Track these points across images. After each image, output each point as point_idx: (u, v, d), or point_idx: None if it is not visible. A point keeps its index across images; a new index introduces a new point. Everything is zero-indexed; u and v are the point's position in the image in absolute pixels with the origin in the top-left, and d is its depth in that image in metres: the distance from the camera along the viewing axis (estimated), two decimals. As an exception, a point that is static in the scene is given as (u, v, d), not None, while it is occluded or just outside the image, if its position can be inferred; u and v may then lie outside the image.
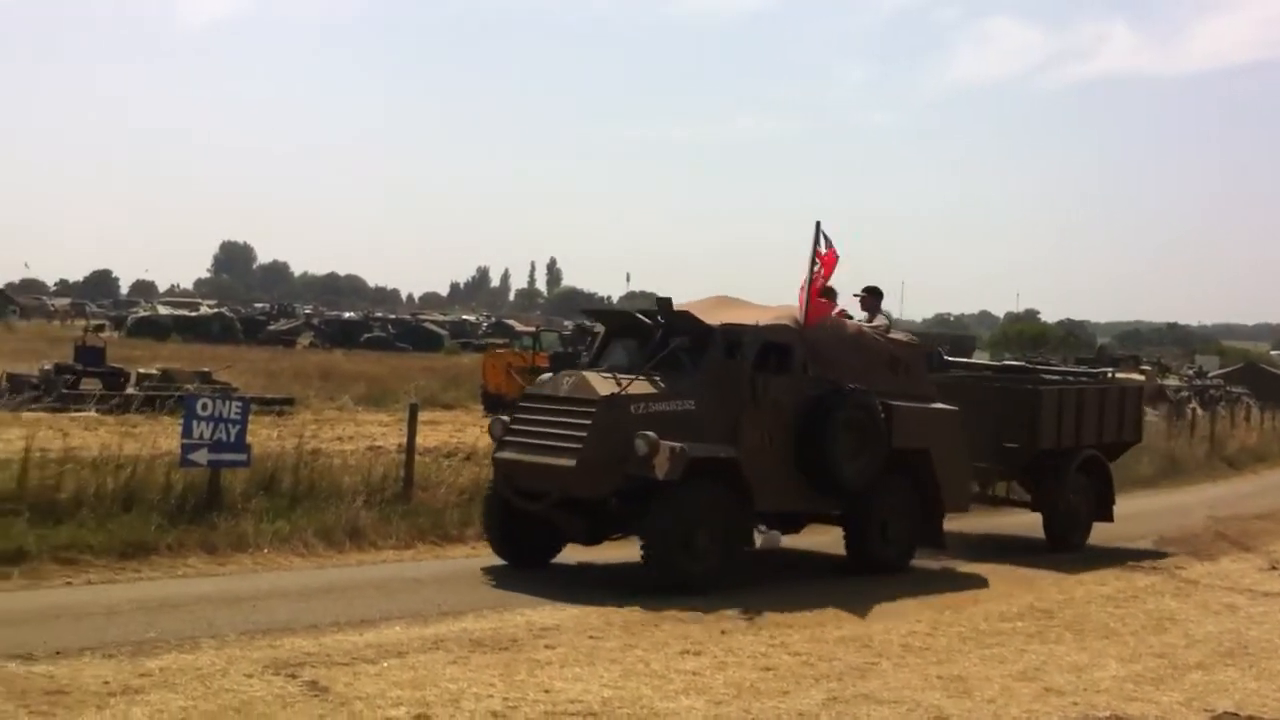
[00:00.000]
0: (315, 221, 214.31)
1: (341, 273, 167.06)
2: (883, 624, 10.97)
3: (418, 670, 8.56)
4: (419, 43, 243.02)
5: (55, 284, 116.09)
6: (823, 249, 13.31)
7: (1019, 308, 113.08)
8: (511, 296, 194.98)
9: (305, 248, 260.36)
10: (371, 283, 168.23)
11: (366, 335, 63.60)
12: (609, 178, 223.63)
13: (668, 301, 13.04)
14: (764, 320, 13.08)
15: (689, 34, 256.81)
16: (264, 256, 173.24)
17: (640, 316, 13.43)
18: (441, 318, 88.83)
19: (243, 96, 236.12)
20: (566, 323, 62.99)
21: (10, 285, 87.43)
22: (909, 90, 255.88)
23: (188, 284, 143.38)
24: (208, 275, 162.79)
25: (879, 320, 14.75)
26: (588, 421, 11.77)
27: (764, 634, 10.24)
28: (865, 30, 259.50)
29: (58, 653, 8.46)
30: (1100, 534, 16.78)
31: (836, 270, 13.66)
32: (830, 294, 14.04)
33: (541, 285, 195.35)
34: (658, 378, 12.33)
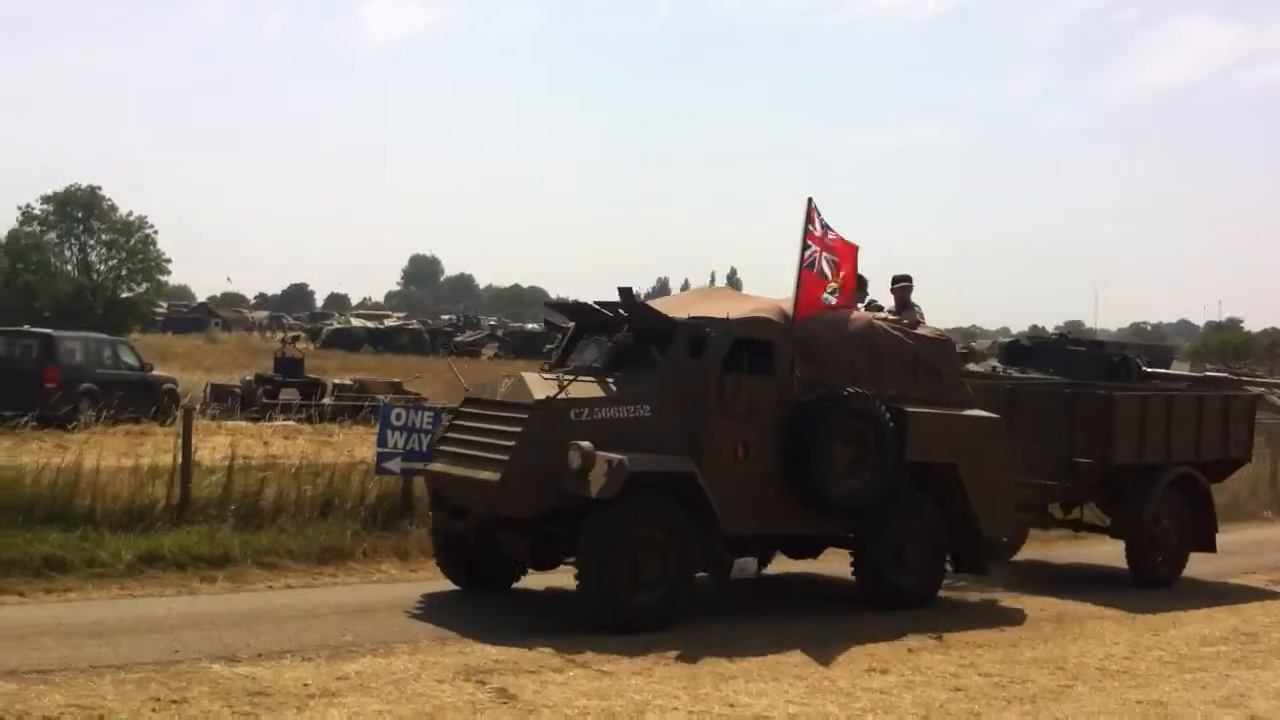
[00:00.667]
0: (499, 234, 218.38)
1: (525, 284, 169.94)
2: (1078, 646, 10.64)
3: (603, 680, 8.62)
4: (598, 54, 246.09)
5: (255, 297, 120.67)
6: (819, 231, 11.58)
7: (1220, 316, 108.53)
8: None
9: (490, 261, 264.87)
10: (554, 293, 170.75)
11: (549, 346, 64.45)
12: (790, 185, 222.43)
13: (628, 291, 11.33)
14: (742, 313, 11.37)
15: (869, 38, 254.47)
16: (451, 269, 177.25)
17: (597, 308, 11.78)
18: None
19: (426, 112, 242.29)
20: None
21: (213, 299, 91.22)
22: (1093, 93, 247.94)
23: (379, 297, 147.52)
24: (397, 288, 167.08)
25: (914, 314, 13.20)
26: (518, 429, 10.37)
27: (953, 654, 10.04)
28: (1045, 33, 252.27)
29: (259, 655, 8.78)
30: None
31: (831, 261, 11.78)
32: (861, 284, 12.75)
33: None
34: (610, 380, 10.90)
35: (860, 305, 12.69)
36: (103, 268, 64.40)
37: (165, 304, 71.85)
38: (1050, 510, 14.72)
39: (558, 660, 9.07)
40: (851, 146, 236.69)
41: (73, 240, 64.05)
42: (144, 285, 65.54)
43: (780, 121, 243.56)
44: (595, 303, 11.76)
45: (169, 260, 65.70)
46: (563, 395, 10.38)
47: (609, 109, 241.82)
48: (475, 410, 11.11)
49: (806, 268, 11.46)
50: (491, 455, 10.40)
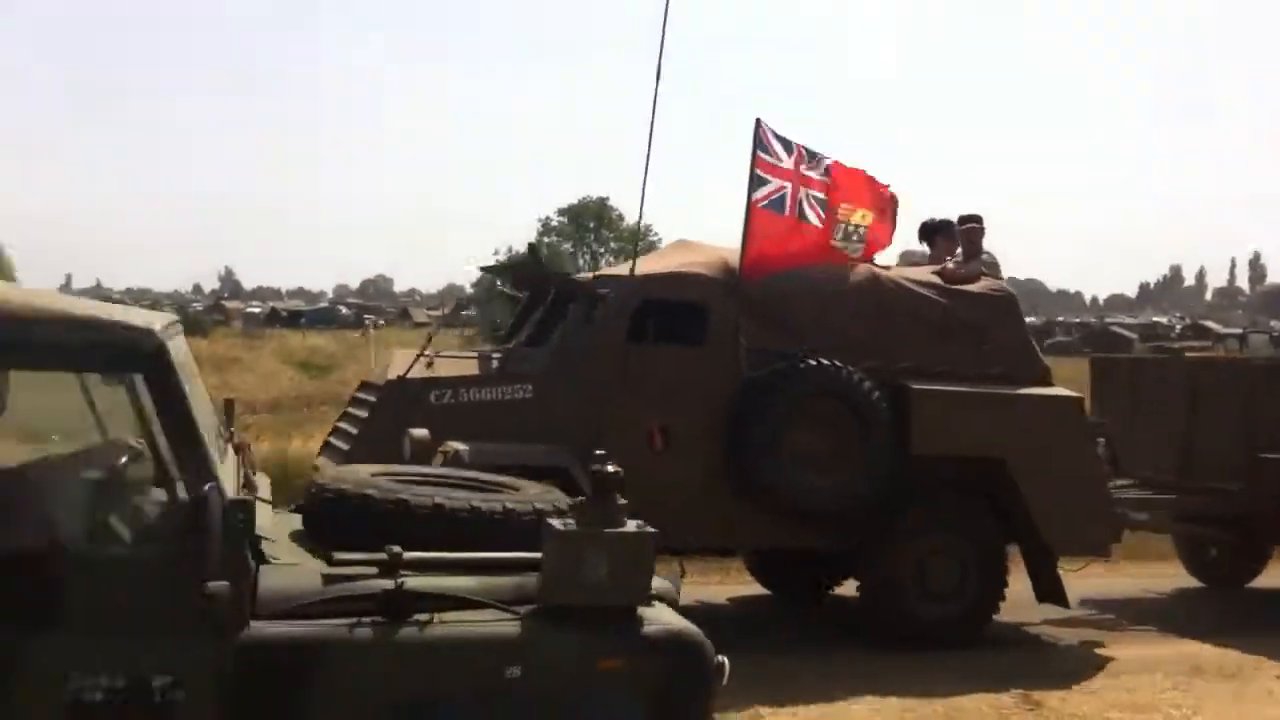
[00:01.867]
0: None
1: (1021, 276, 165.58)
2: None
3: (1135, 693, 8.10)
4: (1008, 34, 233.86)
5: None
6: (785, 162, 8.95)
7: None
8: (1208, 296, 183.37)
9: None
10: (1052, 286, 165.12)
11: (1049, 340, 62.59)
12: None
13: (534, 248, 8.89)
14: (671, 267, 9.09)
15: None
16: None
17: (499, 268, 9.85)
18: (1131, 320, 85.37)
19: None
20: (1276, 324, 57.90)
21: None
22: None
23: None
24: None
25: (980, 265, 9.84)
26: (365, 415, 8.53)
27: None
28: None
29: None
30: None
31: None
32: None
33: (1243, 283, 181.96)
34: (496, 355, 9.03)
35: (949, 260, 9.95)
36: (612, 274, 68.54)
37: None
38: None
39: (1085, 669, 8.64)
40: None
41: (585, 249, 68.40)
42: (650, 290, 69.12)
43: None
44: (502, 263, 9.89)
45: (671, 266, 68.98)
46: (416, 374, 8.41)
47: (1061, 89, 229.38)
48: (357, 395, 9.37)
49: (768, 208, 8.89)
50: (343, 446, 8.57)
